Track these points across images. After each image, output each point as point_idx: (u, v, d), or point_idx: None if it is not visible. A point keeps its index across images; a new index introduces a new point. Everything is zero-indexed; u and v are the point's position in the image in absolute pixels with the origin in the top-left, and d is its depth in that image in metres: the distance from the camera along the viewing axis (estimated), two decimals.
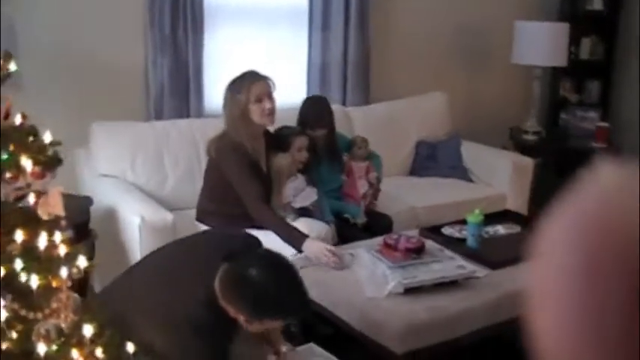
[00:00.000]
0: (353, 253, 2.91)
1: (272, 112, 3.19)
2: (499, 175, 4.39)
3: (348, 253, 2.93)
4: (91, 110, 3.93)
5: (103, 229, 3.59)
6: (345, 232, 3.46)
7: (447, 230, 3.32)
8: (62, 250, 1.75)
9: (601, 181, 0.52)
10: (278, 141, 3.39)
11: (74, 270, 1.76)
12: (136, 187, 3.66)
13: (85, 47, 3.91)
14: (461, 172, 4.53)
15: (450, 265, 2.74)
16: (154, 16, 3.98)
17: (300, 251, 2.99)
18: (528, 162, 4.47)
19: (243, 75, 3.26)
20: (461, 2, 5.10)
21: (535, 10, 5.27)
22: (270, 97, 3.19)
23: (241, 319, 2.02)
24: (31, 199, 1.73)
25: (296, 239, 3.00)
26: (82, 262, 1.74)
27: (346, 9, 4.57)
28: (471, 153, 4.62)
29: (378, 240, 2.92)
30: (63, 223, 1.85)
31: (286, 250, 3.06)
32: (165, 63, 4.05)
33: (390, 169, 4.50)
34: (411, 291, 2.62)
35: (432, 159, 4.64)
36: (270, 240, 2.96)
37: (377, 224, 3.62)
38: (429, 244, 2.92)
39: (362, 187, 3.68)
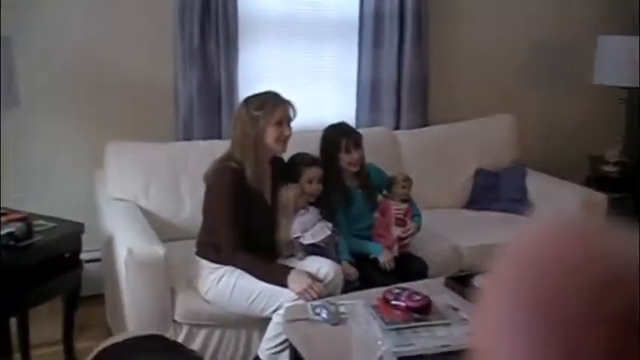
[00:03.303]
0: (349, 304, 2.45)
1: (287, 139, 2.93)
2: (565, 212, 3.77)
3: (342, 304, 2.47)
4: (116, 129, 3.69)
5: (105, 260, 3.33)
6: (369, 276, 3.02)
7: (479, 281, 2.74)
8: None
9: (539, 225, 0.60)
10: (288, 170, 3.00)
11: None
12: (147, 213, 3.36)
13: (109, 60, 3.68)
14: (524, 207, 3.94)
15: (459, 330, 2.23)
16: (184, 26, 3.68)
17: (286, 286, 2.72)
18: (601, 198, 3.75)
19: (266, 93, 2.99)
20: (535, 14, 4.53)
21: (621, 23, 4.57)
22: (289, 123, 2.93)
23: None
24: None
25: (279, 274, 2.76)
26: None
27: (401, 21, 4.11)
28: (537, 185, 4.02)
29: (379, 292, 2.44)
30: None
31: (285, 295, 2.70)
32: (195, 79, 3.75)
33: (441, 200, 4.00)
34: None
35: (492, 190, 4.09)
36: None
37: (408, 268, 3.15)
38: (443, 300, 2.41)
39: (397, 230, 3.20)
